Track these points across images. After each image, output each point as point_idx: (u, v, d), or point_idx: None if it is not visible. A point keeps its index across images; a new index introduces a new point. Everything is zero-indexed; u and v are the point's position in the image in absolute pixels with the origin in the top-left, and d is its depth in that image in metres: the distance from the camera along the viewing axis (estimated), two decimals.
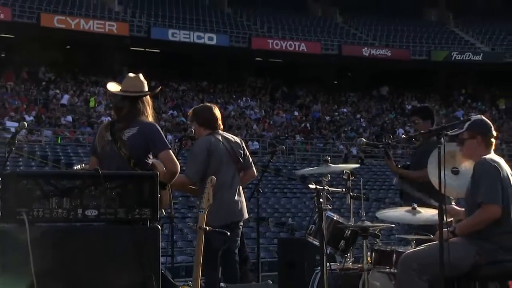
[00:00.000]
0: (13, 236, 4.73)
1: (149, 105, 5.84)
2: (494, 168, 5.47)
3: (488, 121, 5.72)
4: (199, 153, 6.86)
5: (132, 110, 5.74)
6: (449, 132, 5.66)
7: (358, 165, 6.96)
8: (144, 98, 5.81)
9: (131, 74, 5.95)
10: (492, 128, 5.71)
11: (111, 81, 6.10)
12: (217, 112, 7.09)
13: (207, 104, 7.45)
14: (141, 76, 5.90)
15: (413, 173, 7.72)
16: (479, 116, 5.81)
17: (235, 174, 6.96)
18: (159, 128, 5.81)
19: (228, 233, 6.18)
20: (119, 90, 5.85)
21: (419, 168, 7.53)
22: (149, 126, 5.71)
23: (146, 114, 5.79)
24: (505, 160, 5.74)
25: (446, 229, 5.40)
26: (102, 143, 5.76)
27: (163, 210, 5.93)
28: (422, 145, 7.88)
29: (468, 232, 5.48)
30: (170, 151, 5.70)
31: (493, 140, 5.67)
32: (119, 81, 6.01)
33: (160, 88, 6.08)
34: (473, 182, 5.51)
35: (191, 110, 7.39)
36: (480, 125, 5.67)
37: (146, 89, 5.90)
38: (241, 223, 6.99)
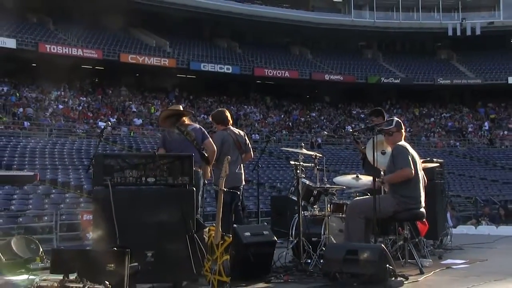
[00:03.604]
0: (102, 194, 4.75)
1: (189, 119, 6.09)
2: (405, 148, 5.60)
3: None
4: (215, 142, 6.82)
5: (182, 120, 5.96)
6: (382, 127, 5.79)
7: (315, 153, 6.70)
8: (186, 115, 6.04)
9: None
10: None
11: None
12: (227, 113, 7.01)
13: (220, 109, 7.38)
14: (180, 106, 6.30)
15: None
16: (398, 119, 5.88)
17: (239, 156, 6.87)
18: (202, 127, 6.13)
19: (238, 192, 6.18)
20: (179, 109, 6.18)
21: None
22: (198, 126, 6.06)
23: (188, 122, 6.00)
24: (413, 146, 5.88)
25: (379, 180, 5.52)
26: (172, 134, 5.87)
27: (205, 180, 6.00)
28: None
29: (391, 182, 5.55)
30: (210, 139, 6.00)
31: (404, 133, 5.80)
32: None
33: (191, 112, 6.35)
34: (392, 159, 5.60)
35: (211, 114, 7.38)
36: (401, 124, 5.81)
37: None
38: (241, 187, 6.90)
